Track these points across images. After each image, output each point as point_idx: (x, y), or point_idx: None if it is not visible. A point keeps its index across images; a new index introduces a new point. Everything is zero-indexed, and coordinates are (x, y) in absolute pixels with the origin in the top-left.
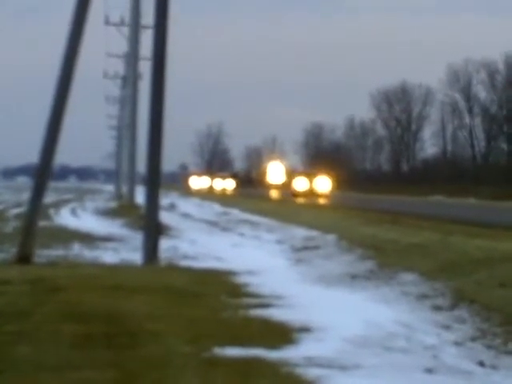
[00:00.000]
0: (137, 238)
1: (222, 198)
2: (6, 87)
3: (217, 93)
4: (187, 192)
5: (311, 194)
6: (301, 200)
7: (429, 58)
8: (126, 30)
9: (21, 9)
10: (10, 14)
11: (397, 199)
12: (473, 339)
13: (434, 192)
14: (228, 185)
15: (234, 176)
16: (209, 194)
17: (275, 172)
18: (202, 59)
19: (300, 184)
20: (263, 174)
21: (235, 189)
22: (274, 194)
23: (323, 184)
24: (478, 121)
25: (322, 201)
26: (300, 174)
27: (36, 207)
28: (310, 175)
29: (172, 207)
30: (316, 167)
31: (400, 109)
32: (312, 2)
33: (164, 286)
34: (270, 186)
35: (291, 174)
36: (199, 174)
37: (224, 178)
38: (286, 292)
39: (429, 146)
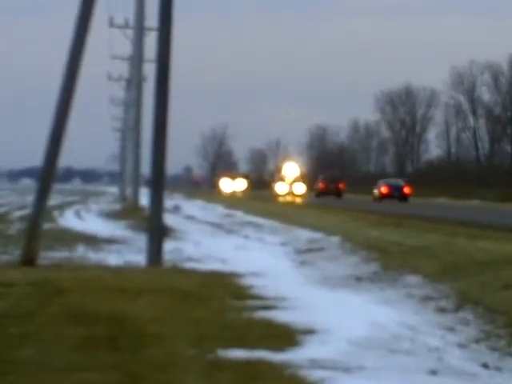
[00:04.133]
0: (141, 240)
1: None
2: (10, 90)
3: (221, 95)
4: (219, 196)
5: None
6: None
7: (433, 60)
8: (130, 32)
9: (24, 10)
10: (13, 16)
11: (399, 202)
12: (477, 341)
13: (439, 194)
14: (298, 189)
15: (303, 179)
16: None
17: (290, 173)
18: (205, 61)
19: None
20: (277, 175)
21: (304, 195)
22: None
23: None
24: (482, 122)
25: None
26: None
27: (40, 209)
28: None
29: (176, 209)
30: None
31: (404, 111)
32: (316, 2)
33: (168, 288)
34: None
35: None
36: (232, 176)
37: (292, 181)
38: (290, 294)
39: (433, 147)
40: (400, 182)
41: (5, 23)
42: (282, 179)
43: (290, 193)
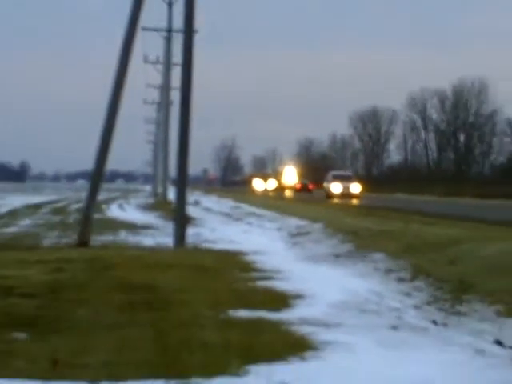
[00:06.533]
0: (169, 227)
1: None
2: (70, 111)
3: (230, 113)
4: (253, 194)
5: None
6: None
7: (393, 86)
8: (160, 66)
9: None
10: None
11: (369, 196)
12: (428, 303)
13: (398, 190)
14: (354, 189)
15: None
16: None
17: (289, 174)
18: (218, 86)
19: None
20: (279, 176)
21: (360, 195)
22: (288, 193)
23: None
24: (431, 136)
25: None
26: None
27: (92, 203)
28: None
29: (196, 203)
30: None
31: (372, 127)
32: (303, 40)
33: (191, 263)
34: (284, 187)
35: None
36: (264, 177)
37: (346, 180)
38: (284, 268)
39: (394, 155)
40: (306, 181)
41: (59, 60)
42: (336, 179)
43: (346, 193)
